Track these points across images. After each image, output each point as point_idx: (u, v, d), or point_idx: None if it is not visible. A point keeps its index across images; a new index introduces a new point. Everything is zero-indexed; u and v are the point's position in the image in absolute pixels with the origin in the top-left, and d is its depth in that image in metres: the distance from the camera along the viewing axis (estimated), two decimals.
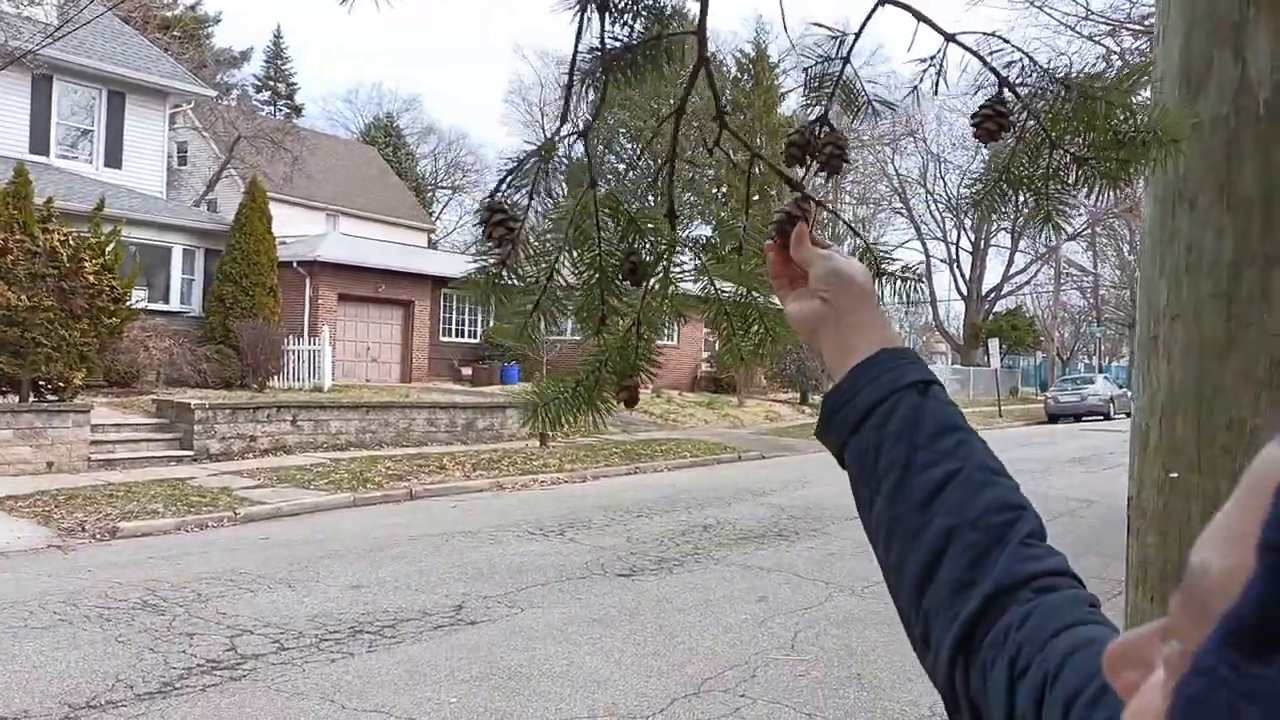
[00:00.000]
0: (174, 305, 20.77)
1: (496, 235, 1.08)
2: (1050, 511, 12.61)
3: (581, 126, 1.22)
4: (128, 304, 15.13)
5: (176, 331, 19.38)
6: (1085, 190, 1.19)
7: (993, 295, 52.88)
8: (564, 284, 1.21)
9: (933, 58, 1.21)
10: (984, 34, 1.16)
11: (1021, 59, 1.15)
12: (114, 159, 22.10)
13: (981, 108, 1.14)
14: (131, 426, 14.72)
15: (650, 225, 1.20)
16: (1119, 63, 15.03)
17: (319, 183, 36.62)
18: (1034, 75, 1.14)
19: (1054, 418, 34.13)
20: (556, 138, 1.17)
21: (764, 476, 15.92)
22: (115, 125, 22.22)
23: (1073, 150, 1.16)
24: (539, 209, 1.18)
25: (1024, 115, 1.16)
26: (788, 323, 1.00)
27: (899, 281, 1.23)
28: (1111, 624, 0.70)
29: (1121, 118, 1.12)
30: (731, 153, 1.36)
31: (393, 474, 14.20)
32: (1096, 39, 16.12)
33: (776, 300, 1.13)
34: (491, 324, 26.78)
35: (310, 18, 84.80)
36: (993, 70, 1.14)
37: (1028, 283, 55.01)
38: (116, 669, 5.86)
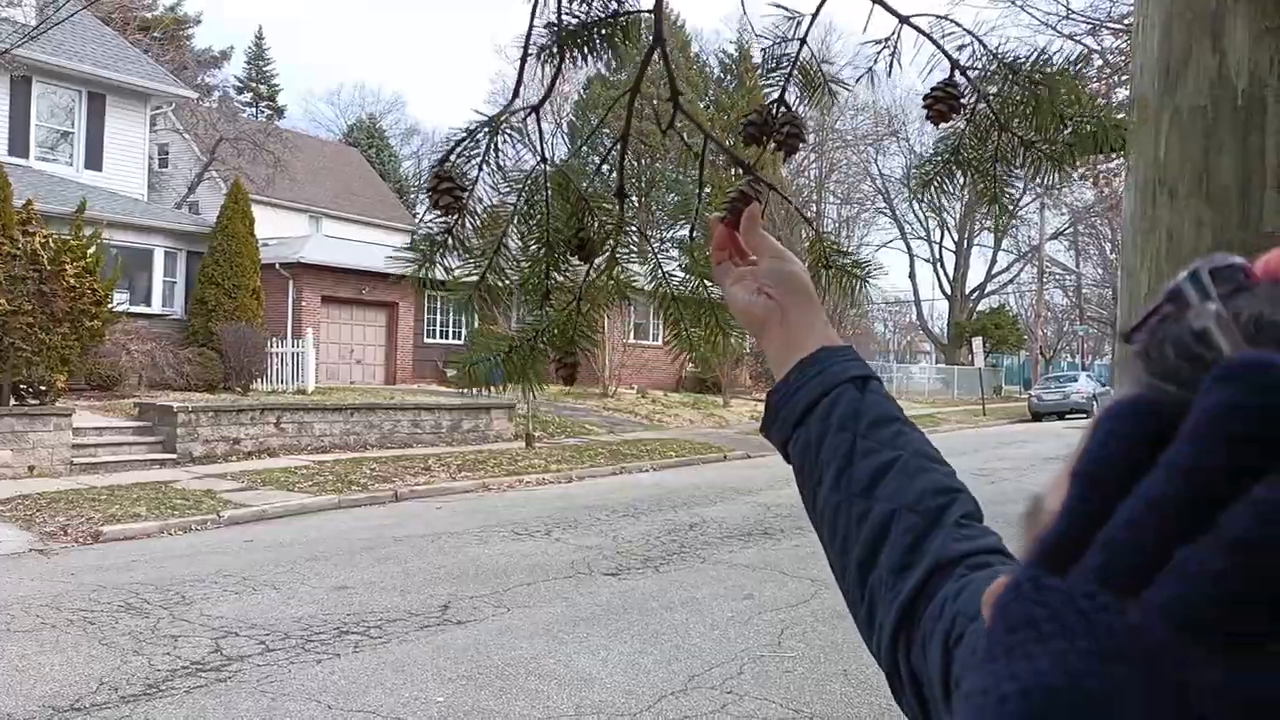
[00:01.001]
0: (156, 308, 20.65)
1: (443, 204, 1.08)
2: None
3: (535, 101, 1.22)
4: (109, 307, 15.03)
5: (159, 334, 19.27)
6: (1031, 172, 1.20)
7: (976, 294, 53.15)
8: (509, 256, 1.20)
9: (887, 39, 1.22)
10: (937, 17, 1.17)
11: (972, 43, 1.16)
12: (94, 161, 21.95)
13: (933, 90, 1.15)
14: (114, 430, 14.63)
15: (601, 204, 1.20)
16: (1099, 61, 15.15)
17: (301, 184, 36.46)
18: (984, 59, 1.15)
19: (1038, 416, 34.30)
20: (508, 112, 1.17)
21: (749, 475, 15.94)
22: (96, 127, 22.08)
23: (1020, 134, 1.17)
24: (488, 181, 1.18)
25: (975, 99, 1.17)
26: (733, 312, 1.01)
27: (846, 276, 1.24)
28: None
29: (1068, 103, 1.14)
30: (685, 135, 1.36)
31: (378, 476, 14.16)
32: (1077, 38, 16.21)
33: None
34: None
35: (292, 18, 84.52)
36: (944, 53, 1.15)
37: (1011, 281, 55.33)
38: (100, 672, 5.82)
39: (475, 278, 1.17)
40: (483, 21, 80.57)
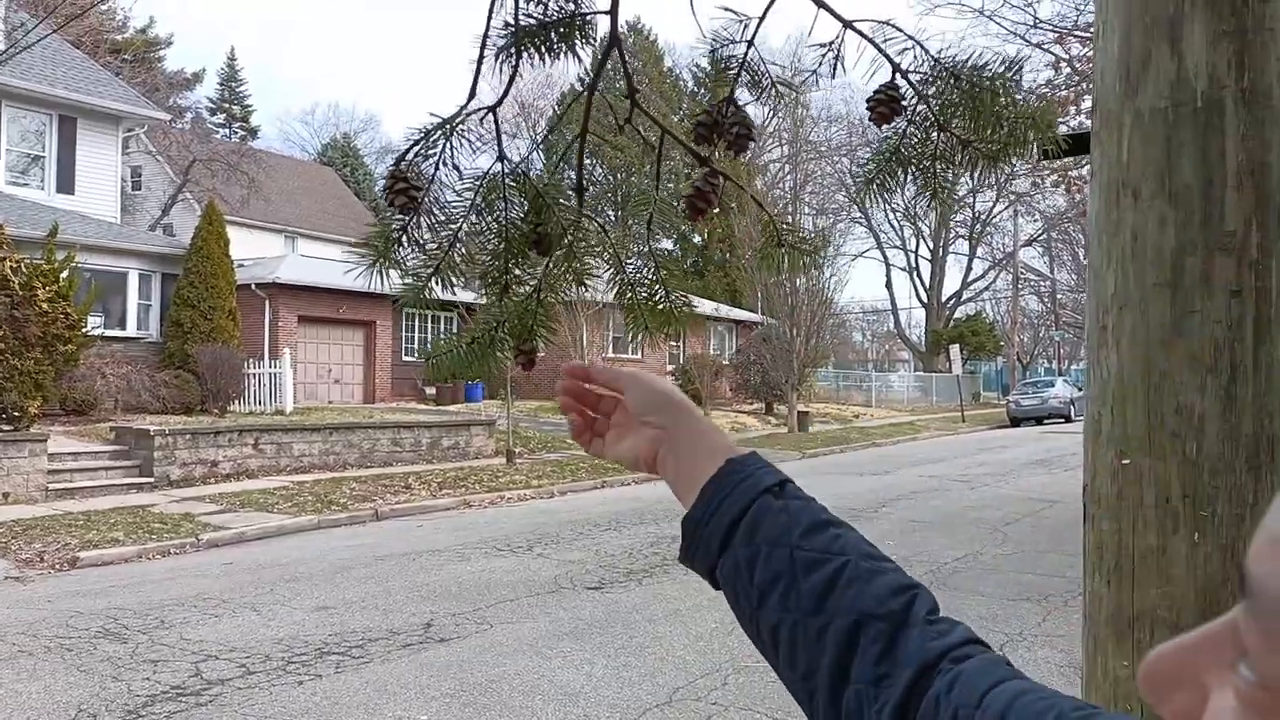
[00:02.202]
0: (131, 331, 20.49)
1: (399, 203, 1.09)
2: (1014, 513, 12.75)
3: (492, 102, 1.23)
4: (83, 331, 14.90)
5: (134, 357, 19.11)
6: (969, 169, 1.23)
7: (953, 302, 53.50)
8: (464, 253, 1.22)
9: (831, 43, 1.25)
10: (878, 22, 1.19)
11: (914, 47, 1.18)
12: (66, 185, 21.80)
13: (876, 92, 1.18)
14: (90, 455, 14.49)
15: (558, 199, 1.22)
16: (1067, 70, 15.34)
17: (276, 205, 36.35)
18: (924, 63, 1.18)
19: (1016, 421, 34.51)
20: (464, 113, 1.18)
21: None
22: (67, 151, 21.94)
23: (959, 133, 1.20)
24: (445, 180, 1.19)
25: (915, 100, 1.20)
26: (625, 464, 0.96)
27: (796, 252, 1.27)
28: (1029, 678, 0.72)
29: (1004, 104, 1.17)
30: (642, 129, 1.38)
31: (358, 495, 14.08)
32: (1045, 47, 16.41)
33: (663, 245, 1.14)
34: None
35: (264, 38, 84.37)
36: (886, 57, 1.17)
37: (986, 289, 55.74)
38: (79, 699, 5.76)
39: (430, 270, 1.19)
40: (456, 40, 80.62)
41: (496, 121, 1.20)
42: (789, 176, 37.85)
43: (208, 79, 46.56)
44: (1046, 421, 34.29)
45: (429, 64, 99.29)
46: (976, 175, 1.36)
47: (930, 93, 1.24)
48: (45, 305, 13.72)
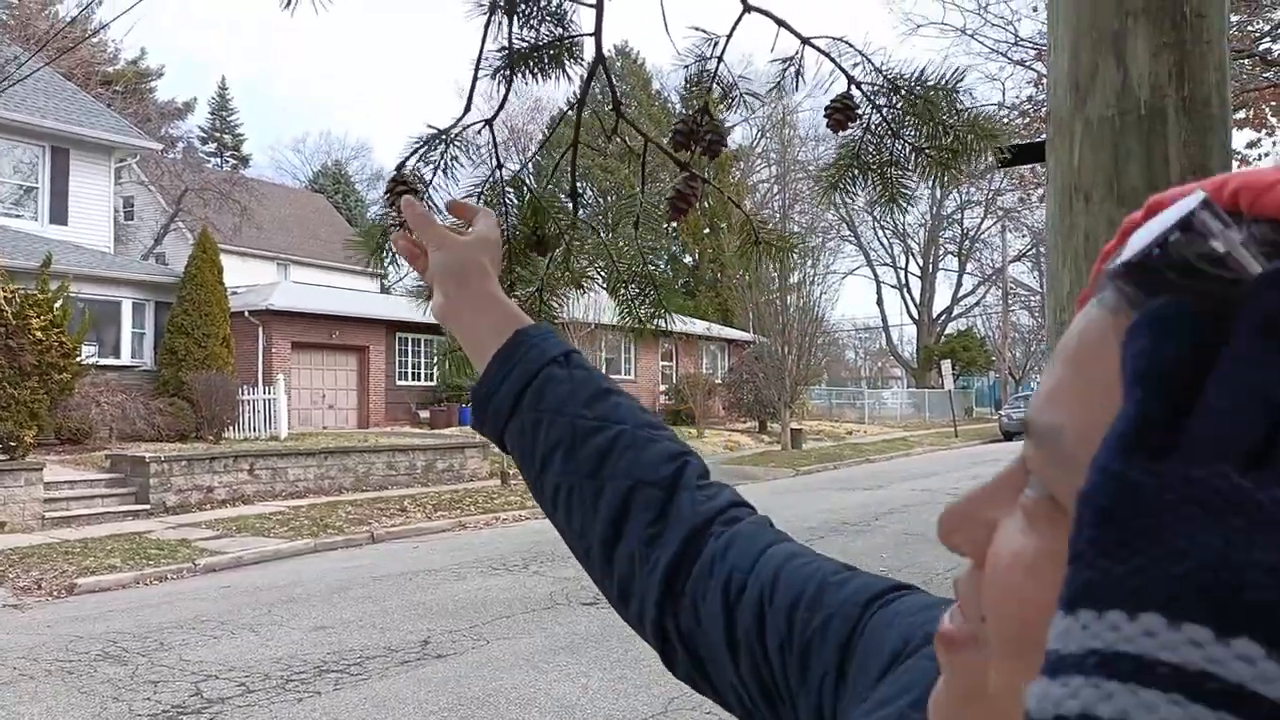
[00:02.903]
0: (125, 359, 20.55)
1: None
2: None
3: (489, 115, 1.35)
4: (78, 360, 14.96)
5: (129, 386, 19.17)
6: (922, 174, 1.35)
7: (943, 318, 53.74)
8: None
9: (791, 58, 1.37)
10: (833, 39, 1.32)
11: (863, 61, 1.31)
12: (60, 215, 21.91)
13: (832, 101, 1.31)
14: (85, 483, 14.53)
15: (554, 204, 1.33)
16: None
17: (268, 232, 36.49)
18: (873, 75, 1.30)
19: (1009, 435, 34.64)
20: (459, 123, 1.30)
21: None
22: (60, 181, 22.06)
23: (911, 141, 1.32)
24: (448, 188, 1.30)
25: (870, 110, 1.33)
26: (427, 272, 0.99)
27: (773, 248, 1.38)
28: (795, 540, 0.78)
29: (945, 113, 1.29)
30: (628, 139, 1.51)
31: (353, 518, 14.13)
32: (1027, 64, 16.65)
33: (658, 265, 1.25)
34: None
35: (255, 67, 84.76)
36: (841, 69, 1.30)
37: (977, 304, 56.01)
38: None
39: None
40: (446, 66, 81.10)
41: (493, 133, 1.32)
42: (778, 196, 38.11)
43: (199, 108, 46.79)
44: None
45: (420, 92, 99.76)
46: (931, 181, 1.48)
47: (881, 103, 1.36)
48: (40, 334, 13.80)
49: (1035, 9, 15.45)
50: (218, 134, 48.90)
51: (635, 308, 1.42)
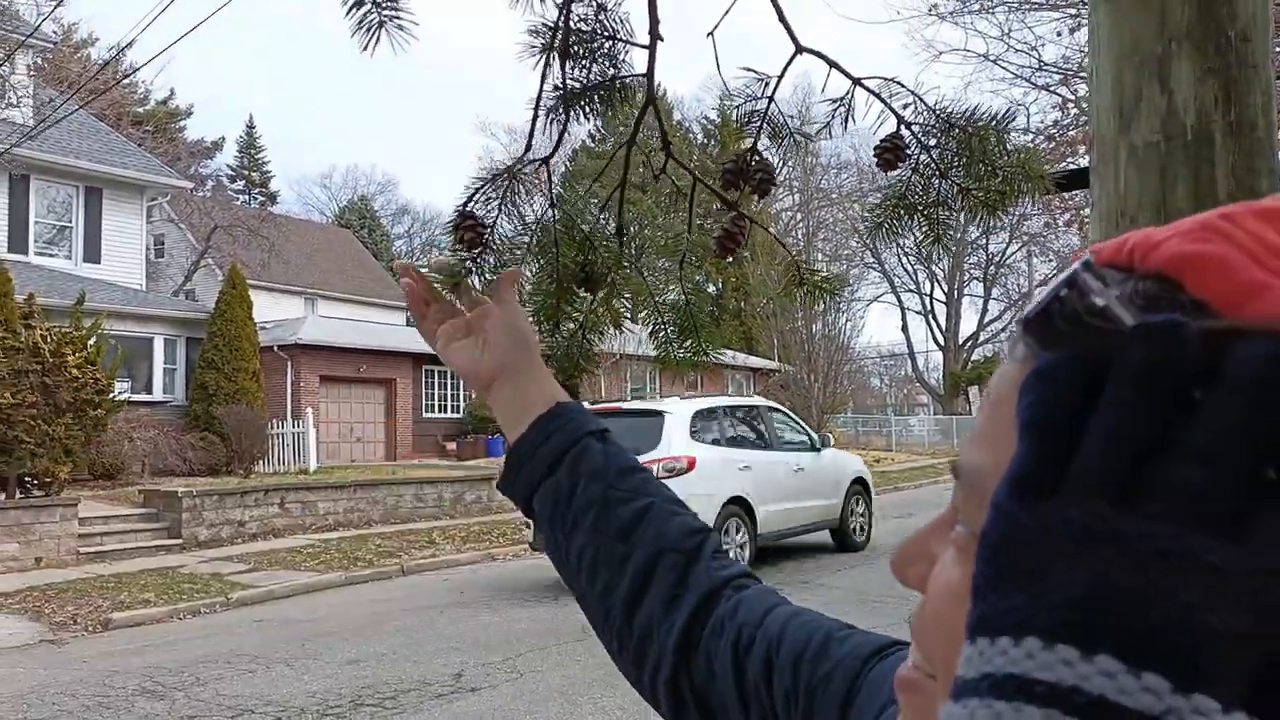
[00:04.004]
0: (157, 395, 20.76)
1: (467, 239, 1.21)
2: None
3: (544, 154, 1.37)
4: (111, 396, 15.14)
5: (161, 421, 19.36)
6: (969, 215, 1.36)
7: (970, 344, 53.44)
8: (526, 291, 1.34)
9: (842, 98, 1.39)
10: (884, 79, 1.33)
11: (915, 101, 1.32)
12: (93, 254, 22.23)
13: (881, 141, 1.32)
14: (119, 518, 14.65)
15: (602, 242, 1.36)
16: (1075, 110, 15.53)
17: (296, 267, 36.86)
18: (925, 115, 1.31)
19: None
20: (522, 161, 1.32)
21: None
22: (93, 221, 22.41)
23: (959, 181, 1.33)
24: (505, 224, 1.33)
25: (918, 150, 1.34)
26: (455, 368, 1.05)
27: (818, 290, 1.40)
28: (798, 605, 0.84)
29: (997, 154, 1.30)
30: (675, 179, 1.53)
31: (383, 551, 14.16)
32: (1051, 89, 16.65)
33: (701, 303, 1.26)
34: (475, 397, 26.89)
35: (282, 105, 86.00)
36: (891, 109, 1.31)
37: (1003, 330, 55.62)
38: None
39: None
40: (468, 102, 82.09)
41: (549, 172, 1.34)
42: (802, 224, 38.17)
43: (227, 147, 47.53)
44: None
45: (443, 127, 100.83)
46: (977, 221, 1.49)
47: (931, 143, 1.38)
48: (75, 371, 13.97)
49: (1059, 34, 15.47)
50: (246, 171, 49.59)
51: (673, 345, 1.44)
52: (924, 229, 1.42)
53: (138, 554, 13.78)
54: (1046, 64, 15.71)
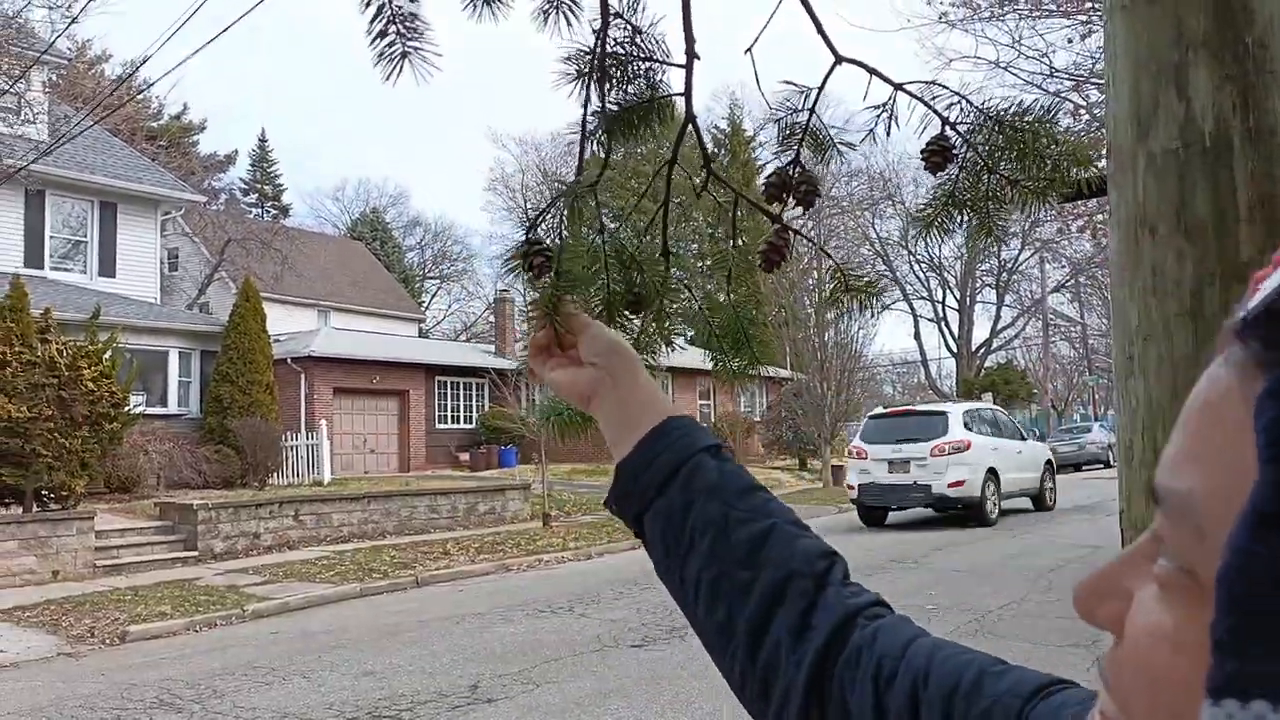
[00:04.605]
0: (172, 408, 20.86)
1: (536, 264, 1.22)
2: (1058, 559, 12.64)
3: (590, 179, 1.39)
4: (127, 409, 15.22)
5: (176, 434, 19.45)
6: (1019, 205, 1.37)
7: (983, 351, 53.27)
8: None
9: (884, 104, 1.40)
10: (925, 83, 1.34)
11: (960, 101, 1.33)
12: (108, 268, 22.38)
13: (928, 144, 1.33)
14: (135, 531, 14.71)
15: (649, 263, 1.36)
16: (1086, 116, 15.50)
17: (309, 280, 37.01)
18: (971, 114, 1.32)
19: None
20: (577, 186, 1.33)
21: None
22: (108, 235, 22.56)
23: (1007, 174, 1.34)
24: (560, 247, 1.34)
25: (964, 148, 1.34)
26: (558, 392, 1.01)
27: (863, 295, 1.41)
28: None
29: (1045, 144, 1.30)
30: (717, 195, 1.54)
31: (398, 562, 14.18)
32: (1063, 95, 16.60)
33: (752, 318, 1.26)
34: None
35: (294, 118, 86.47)
36: (935, 112, 1.32)
37: (1016, 336, 55.49)
38: None
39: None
40: (478, 113, 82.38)
41: (596, 198, 1.35)
42: (813, 232, 38.17)
43: (240, 161, 47.81)
44: (1085, 468, 33.92)
45: (454, 138, 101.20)
46: (1027, 212, 1.51)
47: (977, 140, 1.39)
48: (91, 385, 14.05)
49: (1070, 40, 15.43)
50: (258, 185, 49.86)
51: (729, 361, 1.45)
52: (974, 222, 1.43)
53: (154, 566, 13.84)
54: (1058, 70, 15.68)
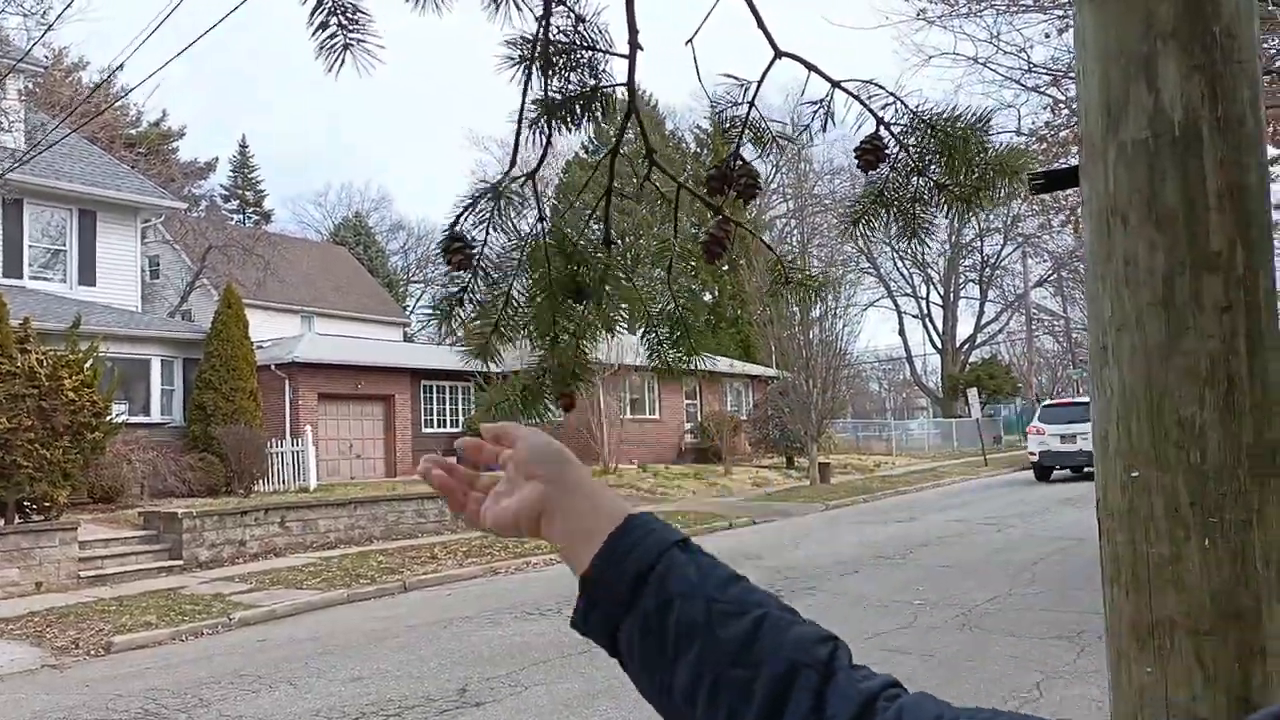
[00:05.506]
0: (155, 417, 20.73)
1: (456, 261, 1.21)
2: (1043, 553, 12.70)
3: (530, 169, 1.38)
4: (109, 419, 15.11)
5: (159, 442, 19.32)
6: (944, 209, 1.38)
7: (967, 346, 53.50)
8: (517, 304, 1.34)
9: (821, 100, 1.40)
10: (863, 81, 1.34)
11: (895, 102, 1.33)
12: (88, 277, 22.24)
13: (862, 142, 1.33)
14: (120, 541, 14.61)
15: (591, 253, 1.36)
16: (1065, 111, 15.58)
17: (292, 285, 36.88)
18: (904, 116, 1.33)
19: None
20: (507, 178, 1.32)
21: (756, 541, 15.93)
22: (87, 244, 22.42)
23: (935, 178, 1.34)
24: (493, 243, 1.33)
25: (897, 149, 1.35)
26: (504, 525, 0.89)
27: (803, 288, 1.40)
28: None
29: (974, 151, 1.31)
30: (660, 185, 1.53)
31: (385, 568, 14.13)
32: (1041, 90, 16.68)
33: (690, 308, 1.26)
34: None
35: (275, 123, 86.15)
36: (870, 111, 1.32)
37: (1000, 331, 55.75)
38: None
39: (489, 328, 1.31)
40: (460, 115, 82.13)
41: (535, 187, 1.34)
42: (796, 230, 38.24)
43: (220, 167, 47.58)
44: None
45: (436, 141, 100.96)
46: (952, 216, 1.50)
47: (910, 142, 1.39)
48: (72, 394, 13.94)
49: (1047, 35, 15.50)
50: (239, 191, 49.66)
51: (664, 350, 1.44)
52: (900, 223, 1.43)
53: (139, 576, 13.74)
54: (1036, 66, 15.75)
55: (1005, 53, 15.92)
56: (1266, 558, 1.86)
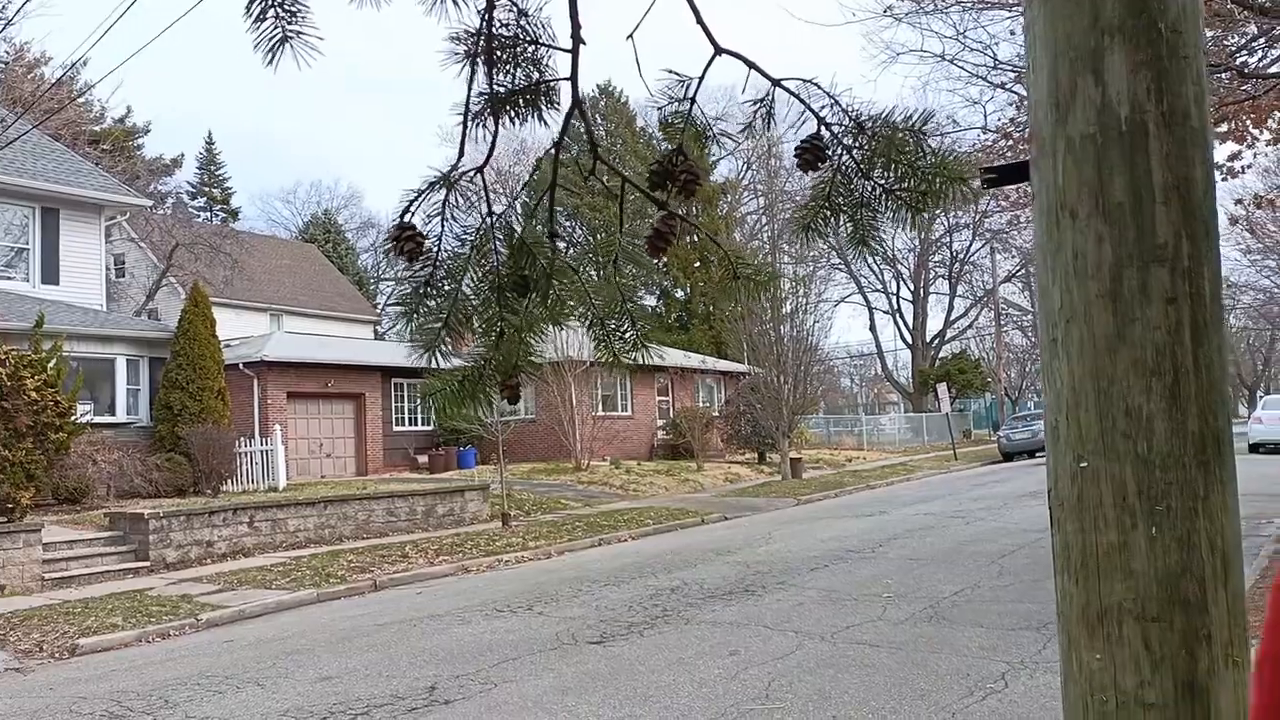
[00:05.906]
0: (121, 416, 20.50)
1: (407, 250, 1.21)
2: (1010, 545, 12.82)
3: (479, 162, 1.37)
4: (73, 419, 14.95)
5: (125, 443, 19.12)
6: (892, 216, 1.38)
7: (937, 342, 53.86)
8: (468, 298, 1.34)
9: (762, 99, 1.41)
10: (803, 80, 1.35)
11: (832, 103, 1.34)
12: (51, 275, 21.95)
13: (801, 143, 1.34)
14: (85, 542, 14.44)
15: (537, 246, 1.36)
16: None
17: (260, 283, 36.57)
18: (840, 117, 1.33)
19: (1009, 456, 34.62)
20: (457, 171, 1.32)
21: (728, 536, 15.97)
22: (50, 242, 22.12)
23: (881, 182, 1.35)
24: (447, 236, 1.32)
25: (840, 151, 1.35)
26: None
27: (752, 282, 1.41)
28: None
29: (915, 155, 1.32)
30: (604, 179, 1.53)
31: (355, 567, 14.05)
32: (1007, 86, 16.81)
33: (647, 302, 1.27)
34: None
35: (243, 121, 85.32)
36: (811, 111, 1.33)
37: (970, 326, 56.17)
38: None
39: (439, 325, 1.30)
40: (430, 111, 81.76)
41: (484, 180, 1.34)
42: (767, 227, 38.32)
43: (186, 164, 47.06)
44: (1039, 454, 34.36)
45: (405, 138, 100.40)
46: (902, 223, 1.51)
47: (848, 143, 1.39)
48: (34, 394, 13.77)
49: (1012, 32, 15.63)
50: (206, 188, 49.16)
51: (612, 342, 1.44)
52: (849, 229, 1.43)
53: (105, 578, 13.60)
54: (1002, 62, 15.87)
55: (971, 50, 16.03)
56: (1212, 544, 1.88)
